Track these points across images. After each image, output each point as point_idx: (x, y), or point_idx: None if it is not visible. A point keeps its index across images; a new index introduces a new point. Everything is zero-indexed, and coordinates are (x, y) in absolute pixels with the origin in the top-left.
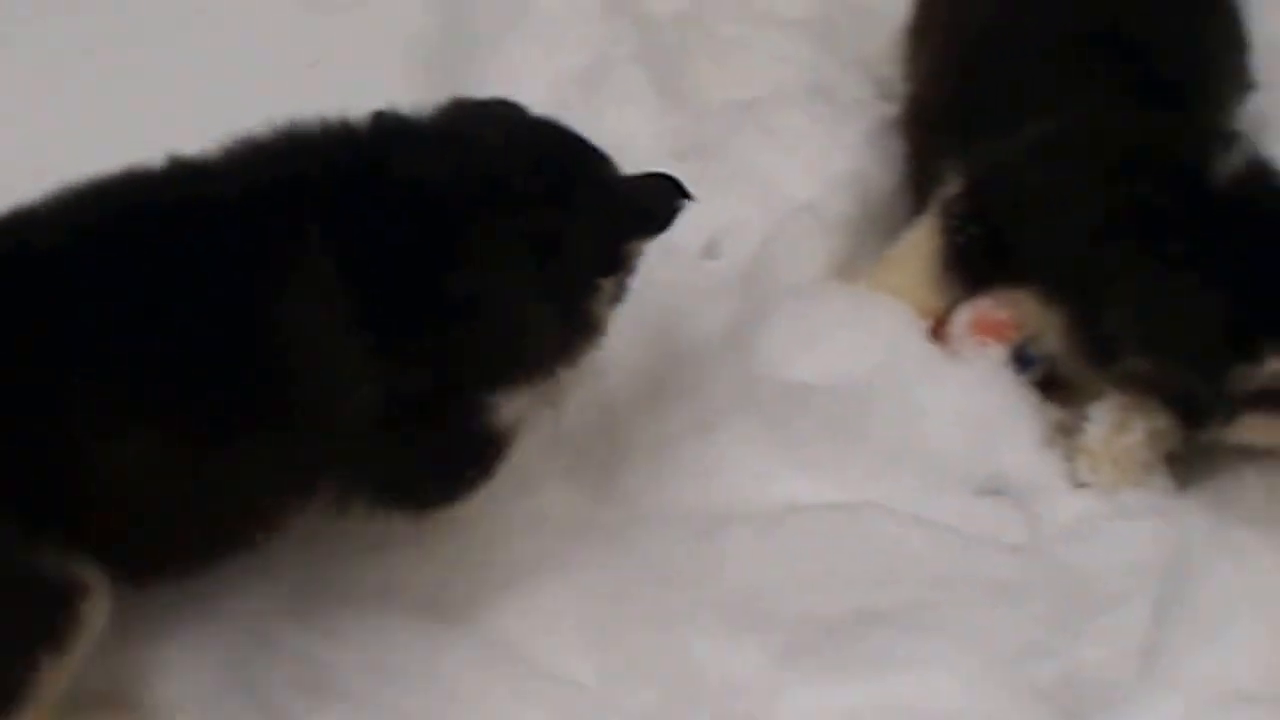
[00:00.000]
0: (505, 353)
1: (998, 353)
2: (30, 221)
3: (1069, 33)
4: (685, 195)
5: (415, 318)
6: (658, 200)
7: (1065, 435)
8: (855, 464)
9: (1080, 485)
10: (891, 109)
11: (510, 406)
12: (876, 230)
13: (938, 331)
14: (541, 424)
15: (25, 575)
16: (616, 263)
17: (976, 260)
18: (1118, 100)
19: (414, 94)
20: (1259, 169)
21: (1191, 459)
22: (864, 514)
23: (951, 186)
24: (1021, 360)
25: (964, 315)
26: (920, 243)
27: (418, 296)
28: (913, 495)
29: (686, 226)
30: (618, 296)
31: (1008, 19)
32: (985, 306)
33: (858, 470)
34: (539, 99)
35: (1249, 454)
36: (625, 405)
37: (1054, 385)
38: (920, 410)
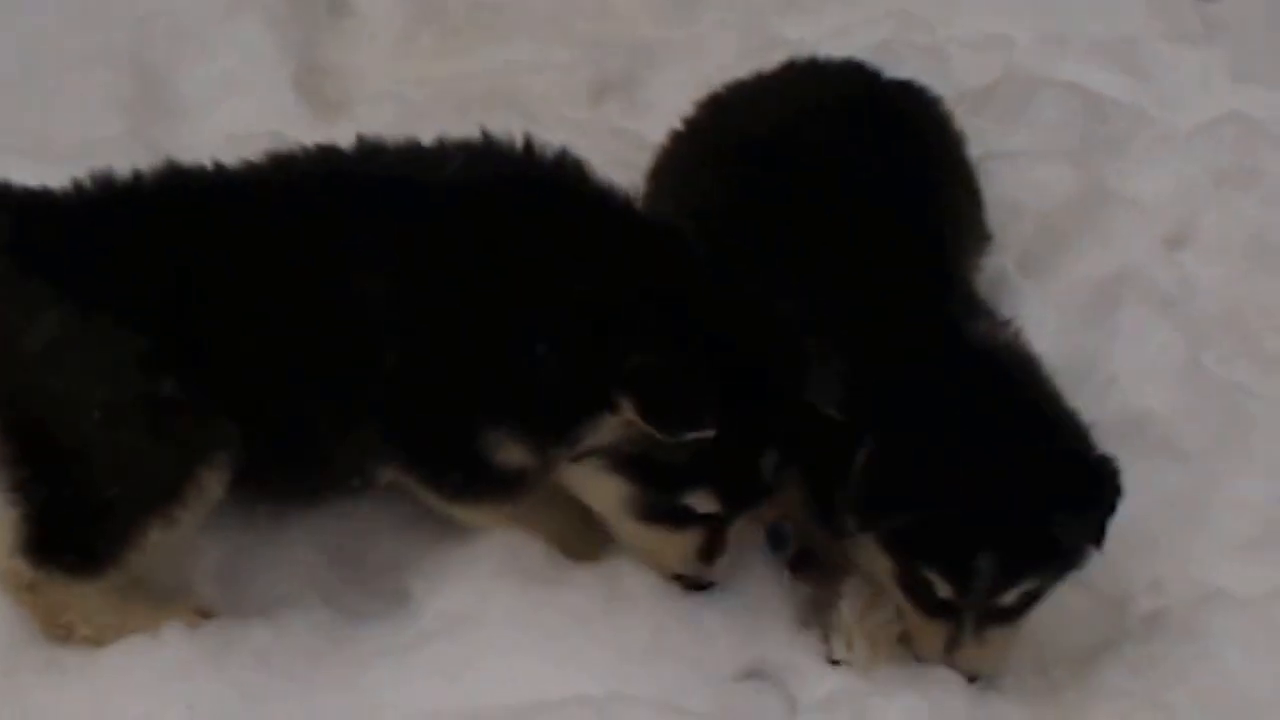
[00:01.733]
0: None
1: (753, 532)
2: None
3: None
4: None
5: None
6: None
7: (821, 613)
8: (609, 654)
9: (835, 663)
10: None
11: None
12: None
13: None
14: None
15: (167, 429)
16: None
17: None
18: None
19: None
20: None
21: None
22: (612, 708)
23: None
24: (776, 538)
25: None
26: None
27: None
28: (669, 684)
29: None
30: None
31: (739, 195)
32: None
33: (611, 661)
34: None
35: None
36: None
37: (809, 562)
38: (676, 594)
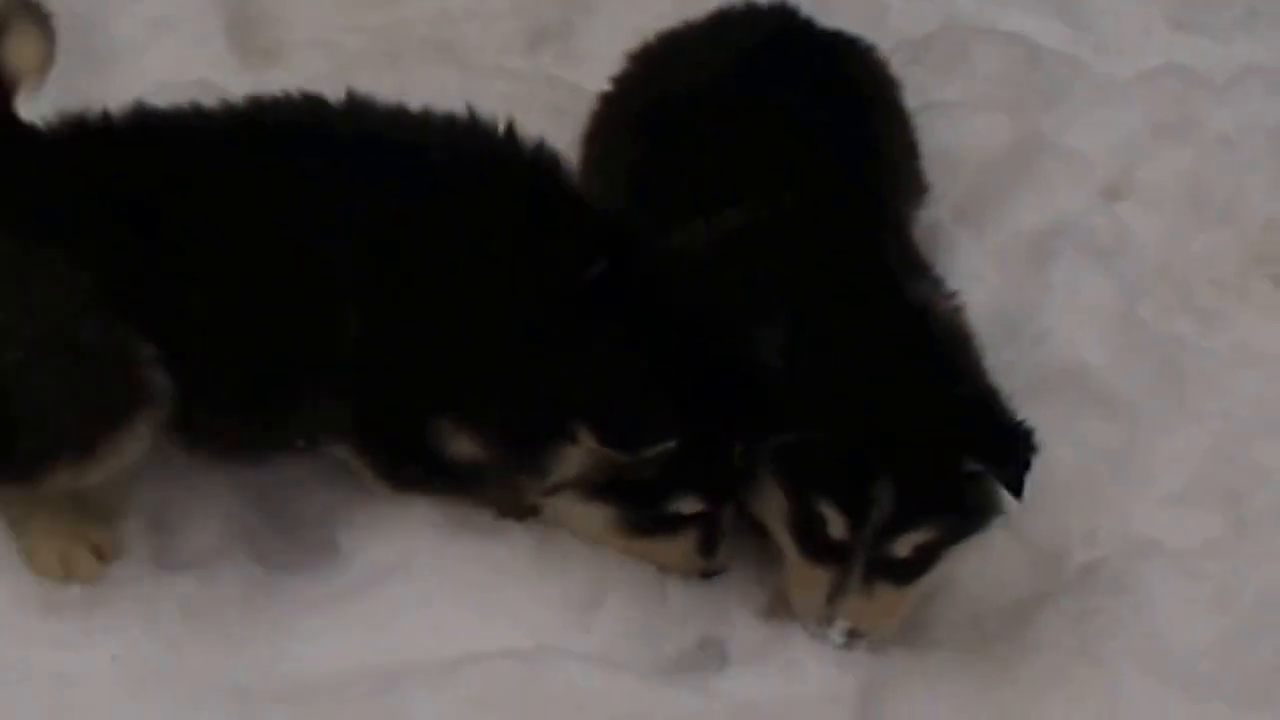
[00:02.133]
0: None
1: None
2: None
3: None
4: None
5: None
6: None
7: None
8: (538, 608)
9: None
10: None
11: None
12: None
13: None
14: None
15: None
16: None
17: None
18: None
19: None
20: None
21: None
22: (541, 661)
23: None
24: None
25: None
26: None
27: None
28: (599, 638)
29: None
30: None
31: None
32: None
33: (540, 615)
34: None
35: (940, 579)
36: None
37: None
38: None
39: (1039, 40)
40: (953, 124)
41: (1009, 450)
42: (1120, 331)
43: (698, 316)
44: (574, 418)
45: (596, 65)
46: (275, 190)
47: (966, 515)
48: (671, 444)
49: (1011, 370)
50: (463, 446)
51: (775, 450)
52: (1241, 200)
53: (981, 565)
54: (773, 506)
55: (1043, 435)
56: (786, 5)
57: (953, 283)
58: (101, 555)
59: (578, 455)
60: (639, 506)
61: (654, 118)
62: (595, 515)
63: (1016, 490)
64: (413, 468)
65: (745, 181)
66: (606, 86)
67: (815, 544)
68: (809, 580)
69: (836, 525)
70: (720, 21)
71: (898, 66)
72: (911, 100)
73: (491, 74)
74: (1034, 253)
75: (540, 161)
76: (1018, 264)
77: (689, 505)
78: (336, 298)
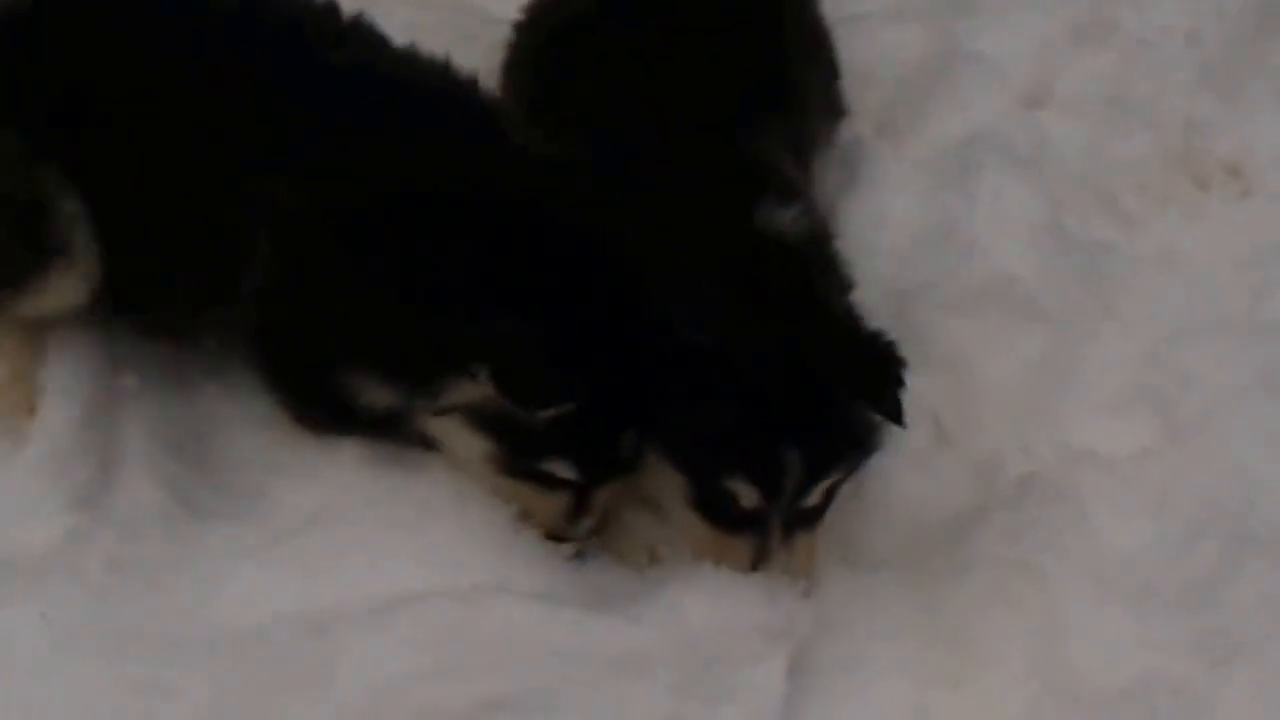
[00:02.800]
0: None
1: None
2: None
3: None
4: None
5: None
6: None
7: None
8: (472, 545)
9: None
10: None
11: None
12: None
13: None
14: None
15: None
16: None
17: None
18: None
19: None
20: None
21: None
22: (479, 599)
23: None
24: None
25: None
26: None
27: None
28: (537, 571)
29: None
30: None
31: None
32: None
33: (474, 552)
34: None
35: (876, 499)
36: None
37: None
38: None
39: None
40: (869, 37)
41: (880, 380)
42: (1045, 241)
43: (617, 275)
44: (478, 357)
45: None
46: (203, 71)
47: (862, 445)
48: (571, 407)
49: (938, 283)
50: (374, 394)
51: (668, 435)
52: (1162, 103)
53: (917, 482)
54: (671, 489)
55: (973, 348)
56: None
57: (877, 197)
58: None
59: (474, 389)
60: (516, 453)
61: (554, 46)
62: (474, 445)
63: (897, 418)
64: (321, 412)
65: (638, 114)
66: (518, 15)
67: (728, 517)
68: (731, 549)
69: (750, 497)
70: None
71: None
72: (827, 14)
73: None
74: (956, 164)
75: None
76: (940, 176)
77: (563, 470)
78: (249, 213)
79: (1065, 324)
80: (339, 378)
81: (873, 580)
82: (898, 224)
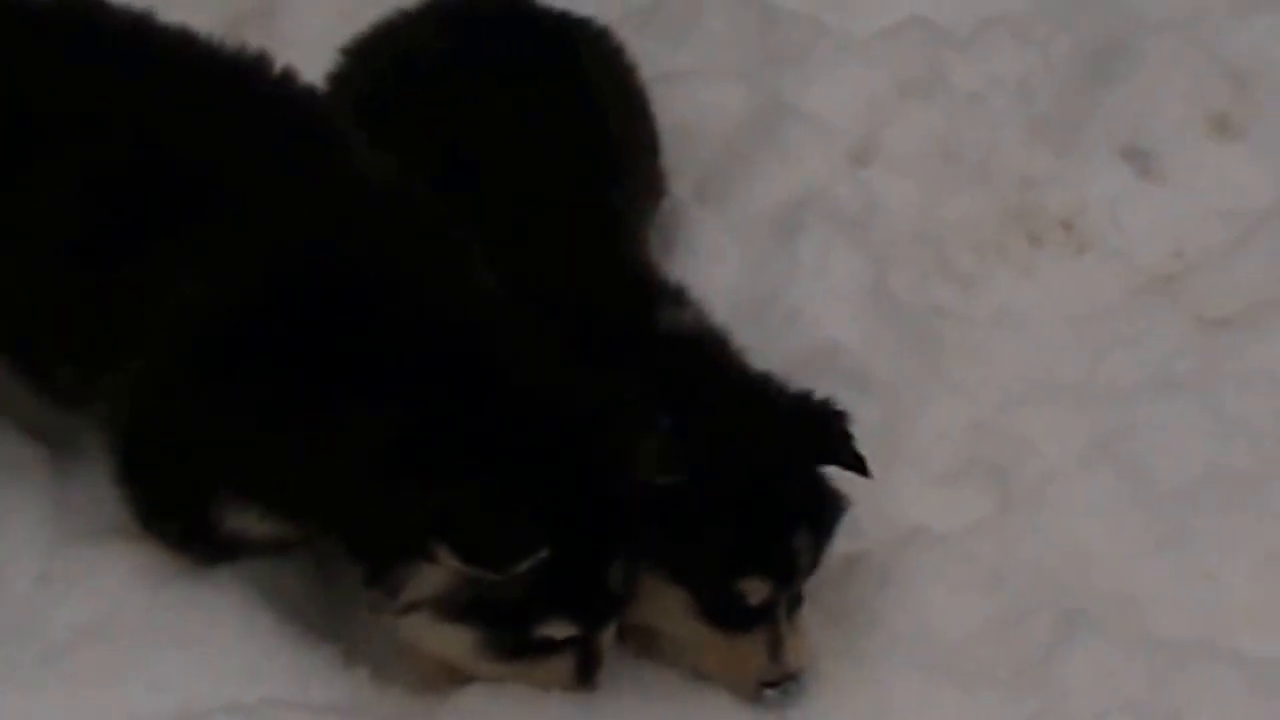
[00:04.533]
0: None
1: None
2: None
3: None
4: None
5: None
6: None
7: None
8: (256, 656)
9: None
10: None
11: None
12: None
13: None
14: None
15: None
16: None
17: None
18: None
19: None
20: None
21: None
22: (269, 713)
23: None
24: None
25: None
26: None
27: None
28: (324, 684)
29: None
30: None
31: None
32: None
33: (259, 663)
34: None
35: None
36: None
37: None
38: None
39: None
40: (688, 94)
41: (836, 438)
42: (873, 305)
43: (582, 413)
44: (432, 534)
45: (304, 50)
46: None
47: (839, 504)
48: (543, 555)
49: (762, 353)
50: (256, 525)
51: (667, 555)
52: (995, 158)
53: None
54: (670, 608)
55: None
56: None
57: (695, 265)
58: None
59: (437, 574)
60: (506, 629)
61: (363, 118)
62: (458, 639)
63: (863, 469)
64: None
65: (456, 199)
66: (321, 83)
67: (738, 619)
68: (743, 649)
69: (761, 591)
70: (435, 6)
71: (626, 35)
72: (643, 72)
73: None
74: (779, 227)
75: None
76: (763, 240)
77: (561, 629)
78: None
79: (895, 393)
80: (223, 508)
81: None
82: (717, 293)
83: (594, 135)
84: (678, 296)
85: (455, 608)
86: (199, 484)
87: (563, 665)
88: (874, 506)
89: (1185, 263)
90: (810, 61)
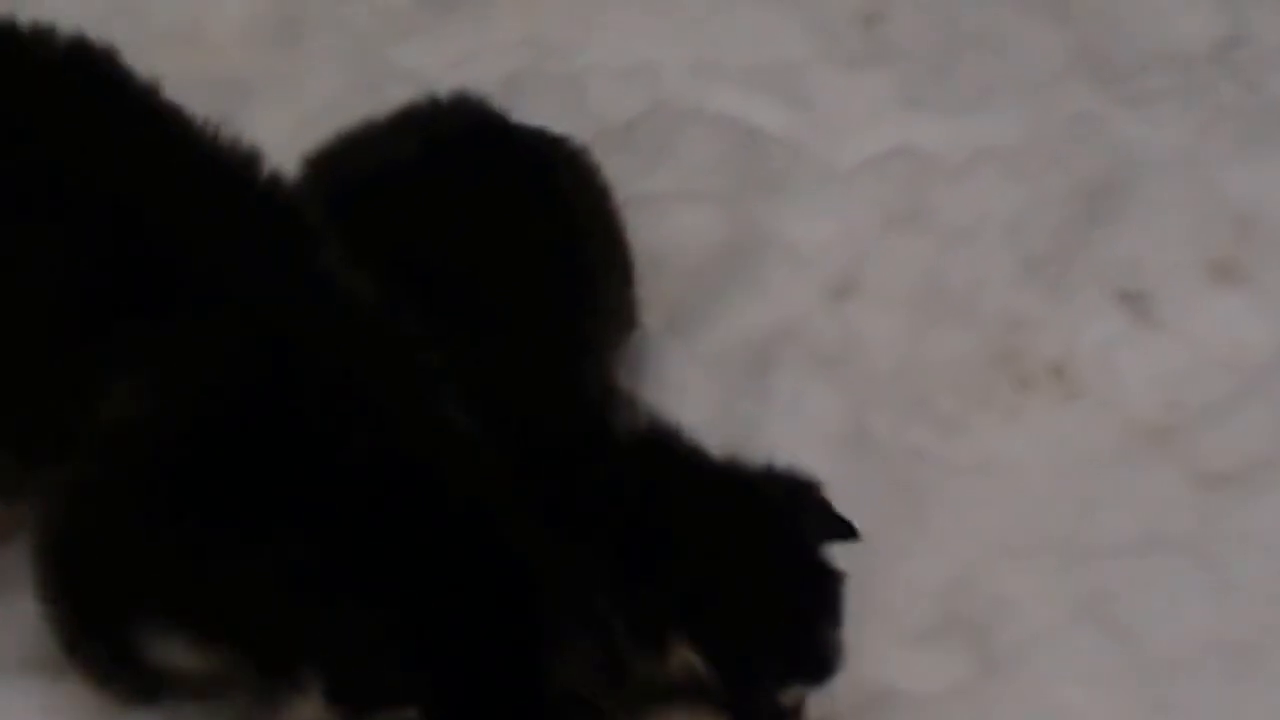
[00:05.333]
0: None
1: None
2: None
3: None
4: None
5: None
6: None
7: None
8: None
9: None
10: None
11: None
12: None
13: None
14: None
15: None
16: None
17: None
18: None
19: None
20: None
21: None
22: None
23: None
24: None
25: None
26: None
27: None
28: None
29: None
30: None
31: None
32: None
33: None
34: None
35: None
36: None
37: None
38: None
39: (756, 122)
40: (661, 218)
41: (824, 512)
42: (849, 449)
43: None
44: (308, 663)
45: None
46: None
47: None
48: (411, 712)
49: None
50: (180, 655)
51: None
52: (981, 296)
53: None
54: None
55: None
56: (478, 100)
57: (665, 400)
58: None
59: (307, 708)
60: None
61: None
62: None
63: (853, 533)
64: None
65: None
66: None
67: None
68: None
69: (799, 698)
70: (404, 120)
71: (599, 156)
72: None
73: None
74: (753, 362)
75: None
76: (736, 375)
77: None
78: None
79: (870, 543)
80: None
81: None
82: (688, 430)
83: (566, 258)
84: (630, 402)
85: None
86: (122, 604)
87: None
88: (845, 665)
89: (1182, 414)
90: (791, 188)
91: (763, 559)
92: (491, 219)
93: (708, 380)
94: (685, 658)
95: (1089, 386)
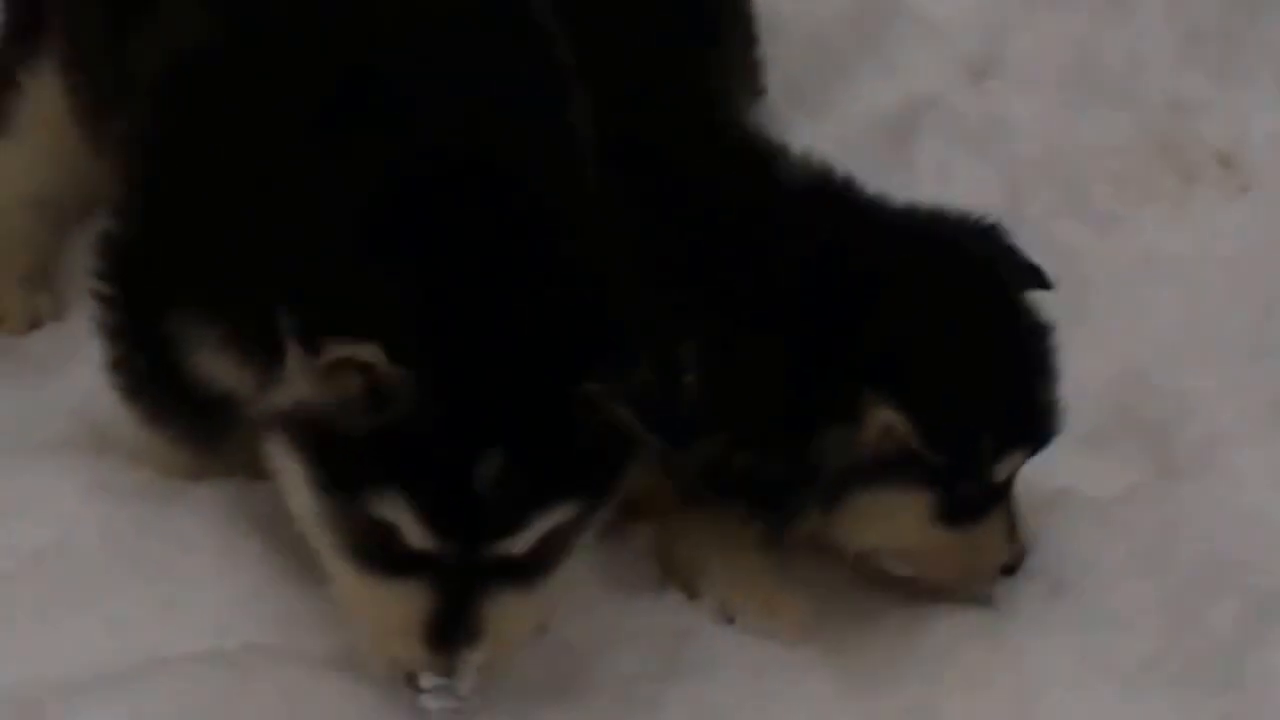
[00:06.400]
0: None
1: None
2: None
3: None
4: None
5: None
6: None
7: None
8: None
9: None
10: None
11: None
12: None
13: None
14: None
15: None
16: None
17: None
18: None
19: None
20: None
21: None
22: (251, 663)
23: None
24: None
25: None
26: None
27: None
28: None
29: None
30: None
31: None
32: None
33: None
34: None
35: None
36: None
37: None
38: None
39: None
40: None
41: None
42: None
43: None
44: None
45: None
46: None
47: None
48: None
49: None
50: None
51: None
52: (1139, 79)
53: None
54: (900, 521)
55: None
56: None
57: None
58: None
59: (310, 379)
60: (333, 481)
61: None
62: (293, 473)
63: (1045, 281)
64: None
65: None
66: None
67: (981, 506)
68: (979, 546)
69: (1017, 465)
70: None
71: None
72: None
73: None
74: (891, 136)
75: None
76: (871, 150)
77: (396, 515)
78: None
79: None
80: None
81: None
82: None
83: (698, 9)
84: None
85: (301, 433)
86: (162, 297)
87: (410, 604)
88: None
89: None
90: None
91: (970, 311)
92: None
93: (841, 155)
94: (886, 424)
95: (1261, 178)
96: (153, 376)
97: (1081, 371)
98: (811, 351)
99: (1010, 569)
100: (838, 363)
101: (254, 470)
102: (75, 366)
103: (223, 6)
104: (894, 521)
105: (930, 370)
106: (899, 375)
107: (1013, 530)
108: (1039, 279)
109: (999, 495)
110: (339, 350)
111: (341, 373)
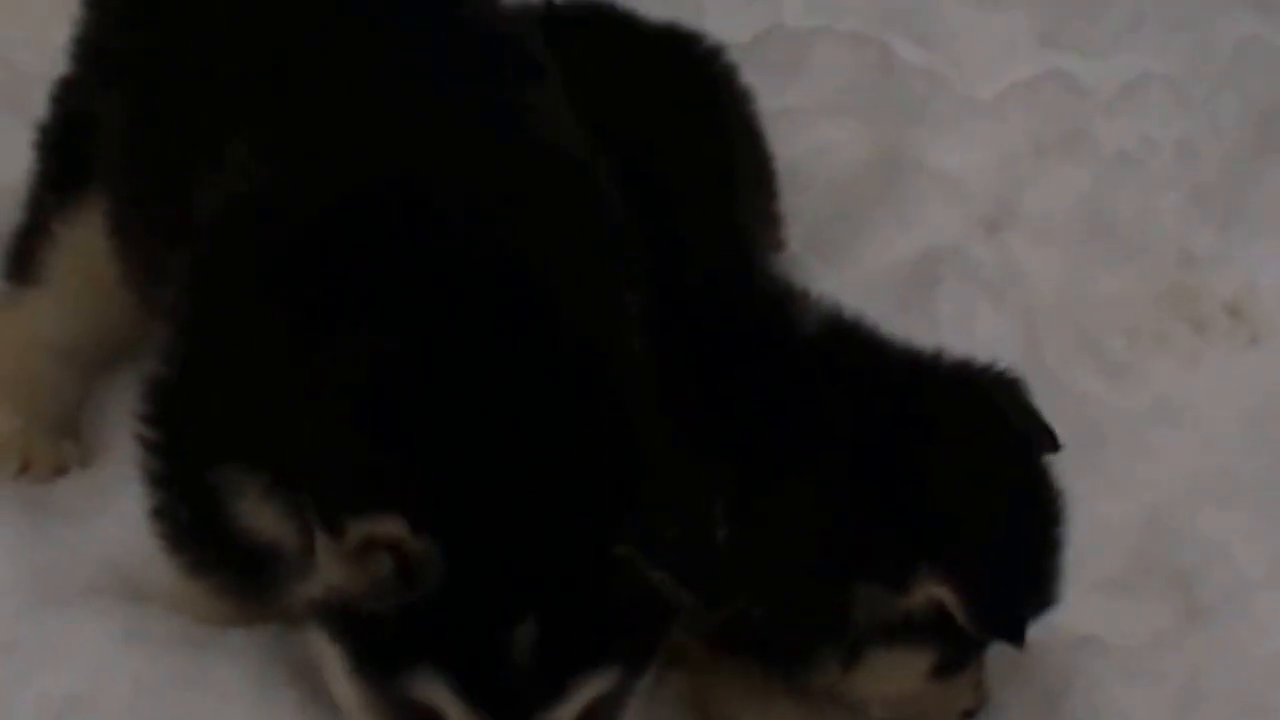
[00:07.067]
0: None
1: None
2: None
3: None
4: None
5: None
6: None
7: None
8: None
9: None
10: None
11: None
12: None
13: None
14: None
15: None
16: None
17: None
18: None
19: None
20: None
21: None
22: None
23: None
24: None
25: None
26: None
27: None
28: None
29: None
30: None
31: None
32: None
33: None
34: None
35: None
36: None
37: None
38: None
39: (892, 50)
40: (797, 132)
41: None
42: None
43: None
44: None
45: None
46: None
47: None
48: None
49: None
50: (259, 516)
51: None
52: (1148, 229)
53: None
54: (898, 672)
55: None
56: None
57: None
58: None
59: (338, 563)
60: (367, 662)
61: None
62: (333, 661)
63: (1056, 443)
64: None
65: None
66: None
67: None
68: (951, 693)
69: None
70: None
71: None
72: None
73: None
74: (913, 284)
75: None
76: (893, 298)
77: (432, 694)
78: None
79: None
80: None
81: None
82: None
83: (717, 159)
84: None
85: (336, 617)
86: (208, 449)
87: None
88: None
89: None
90: (931, 115)
91: (1012, 483)
92: (635, 104)
93: (863, 303)
94: (935, 597)
95: (1270, 327)
96: (195, 524)
97: (1099, 517)
98: (846, 507)
99: (969, 714)
100: (879, 523)
101: (293, 617)
102: (103, 514)
103: (270, 154)
104: (898, 674)
105: (981, 547)
106: (951, 550)
107: (979, 679)
108: (1053, 442)
109: (982, 649)
110: (363, 528)
111: (370, 554)
